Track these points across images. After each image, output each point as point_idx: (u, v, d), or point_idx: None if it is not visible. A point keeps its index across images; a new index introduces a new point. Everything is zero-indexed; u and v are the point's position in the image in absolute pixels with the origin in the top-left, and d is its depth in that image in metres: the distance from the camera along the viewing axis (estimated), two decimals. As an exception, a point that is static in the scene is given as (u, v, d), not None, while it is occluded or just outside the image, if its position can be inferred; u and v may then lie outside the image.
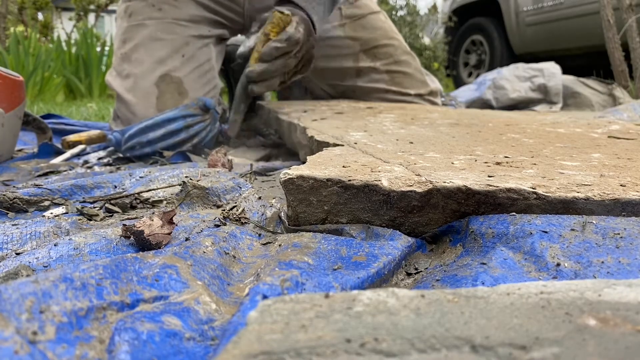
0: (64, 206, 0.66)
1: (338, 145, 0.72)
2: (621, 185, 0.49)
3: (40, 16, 6.53)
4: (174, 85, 1.20)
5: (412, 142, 0.74)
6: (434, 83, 1.52)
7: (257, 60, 1.02)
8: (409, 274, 0.46)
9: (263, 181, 0.85)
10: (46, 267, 0.44)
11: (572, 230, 0.43)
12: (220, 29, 1.34)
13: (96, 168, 1.03)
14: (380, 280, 0.42)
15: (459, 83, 4.24)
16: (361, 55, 1.40)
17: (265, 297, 0.35)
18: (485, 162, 0.59)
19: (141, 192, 0.69)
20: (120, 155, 1.11)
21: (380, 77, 1.41)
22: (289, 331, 0.26)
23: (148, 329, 0.31)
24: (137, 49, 1.22)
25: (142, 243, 0.48)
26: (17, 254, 0.49)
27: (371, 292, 0.30)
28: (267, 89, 1.07)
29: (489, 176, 0.52)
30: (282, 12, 1.02)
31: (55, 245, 0.47)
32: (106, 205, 0.66)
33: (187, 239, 0.49)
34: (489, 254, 0.43)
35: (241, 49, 1.10)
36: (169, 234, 0.50)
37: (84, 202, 0.69)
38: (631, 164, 0.60)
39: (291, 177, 0.52)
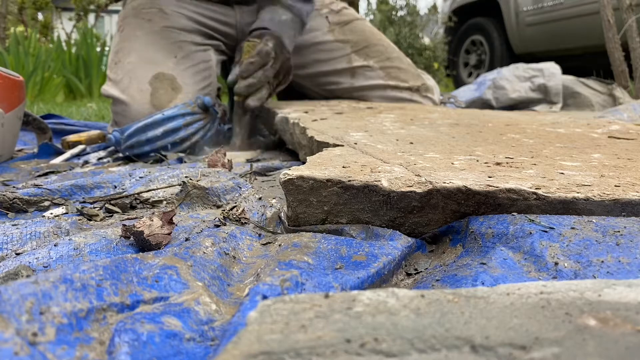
0: (64, 206, 0.66)
1: (338, 145, 0.72)
2: (616, 186, 0.49)
3: (40, 16, 6.53)
4: (168, 81, 1.22)
5: (412, 143, 0.74)
6: (430, 81, 1.53)
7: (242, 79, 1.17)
8: (409, 274, 0.46)
9: (263, 181, 0.85)
10: (46, 267, 0.44)
11: (572, 229, 0.43)
12: (215, 40, 1.36)
13: (96, 168, 1.03)
14: (380, 280, 0.42)
15: (459, 83, 4.23)
16: (353, 56, 1.42)
17: (265, 297, 0.35)
18: (485, 163, 0.59)
19: (141, 192, 0.69)
20: (120, 155, 1.11)
21: (375, 74, 1.43)
22: (289, 331, 0.26)
23: (148, 330, 0.31)
24: (130, 54, 1.25)
25: (142, 243, 0.48)
26: (17, 254, 0.49)
27: (371, 292, 0.30)
28: (259, 101, 1.16)
29: (489, 176, 0.52)
30: (249, 41, 1.17)
31: (55, 245, 0.47)
32: (106, 205, 0.66)
33: (187, 240, 0.49)
34: (489, 254, 0.43)
35: (230, 78, 1.18)
36: (169, 234, 0.50)
37: (84, 202, 0.69)
38: (631, 164, 0.60)
39: (291, 177, 0.52)
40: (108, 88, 1.26)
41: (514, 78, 2.10)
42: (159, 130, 1.07)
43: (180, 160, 1.04)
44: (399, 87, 1.43)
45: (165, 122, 1.07)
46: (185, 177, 0.74)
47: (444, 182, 0.49)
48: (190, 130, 1.09)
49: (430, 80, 1.54)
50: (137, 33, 1.27)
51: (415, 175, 0.53)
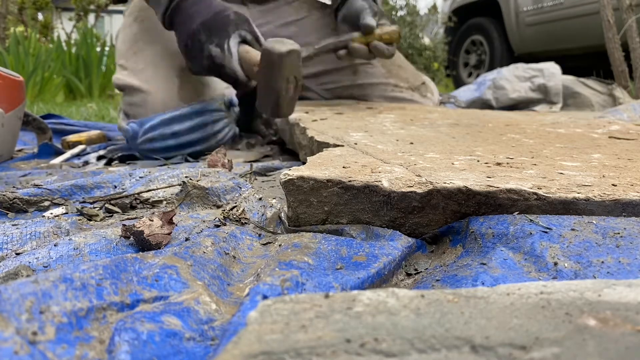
0: (64, 206, 0.66)
1: (338, 145, 0.72)
2: (613, 185, 0.49)
3: (40, 16, 6.53)
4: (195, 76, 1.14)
5: (412, 143, 0.74)
6: (430, 83, 1.53)
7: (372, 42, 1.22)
8: (409, 275, 0.46)
9: (263, 181, 0.84)
10: (46, 267, 0.44)
11: (572, 230, 0.43)
12: None
13: (96, 168, 1.03)
14: (380, 280, 0.42)
15: (459, 83, 4.24)
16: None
17: (265, 297, 0.35)
18: (486, 163, 0.59)
19: (141, 192, 0.69)
20: (121, 155, 1.10)
21: (377, 71, 1.42)
22: (289, 331, 0.26)
23: (148, 329, 0.31)
24: (153, 45, 1.17)
25: (142, 243, 0.48)
26: (17, 254, 0.49)
27: (371, 292, 0.30)
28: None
29: (489, 177, 0.52)
30: (399, 34, 1.27)
31: (55, 245, 0.47)
32: (106, 205, 0.66)
33: (187, 239, 0.49)
34: (489, 254, 0.43)
35: (371, 21, 1.20)
36: (169, 234, 0.50)
37: (84, 202, 0.69)
38: (631, 164, 0.60)
39: (291, 178, 0.52)
40: (124, 77, 1.17)
41: (514, 78, 2.10)
42: (186, 124, 1.01)
43: (184, 160, 1.04)
44: (400, 85, 1.43)
45: (193, 116, 1.02)
46: (185, 177, 0.73)
47: (445, 183, 0.49)
48: (216, 128, 1.05)
49: (430, 82, 1.53)
50: (159, 26, 1.17)
51: (416, 175, 0.53)
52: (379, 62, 1.42)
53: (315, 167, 0.56)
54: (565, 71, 2.15)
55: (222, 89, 1.16)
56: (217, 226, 0.55)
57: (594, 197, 0.46)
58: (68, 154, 1.16)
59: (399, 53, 1.48)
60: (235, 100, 1.08)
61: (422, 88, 1.45)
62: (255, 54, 0.99)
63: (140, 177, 0.76)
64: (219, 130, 1.07)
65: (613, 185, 0.49)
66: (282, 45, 0.93)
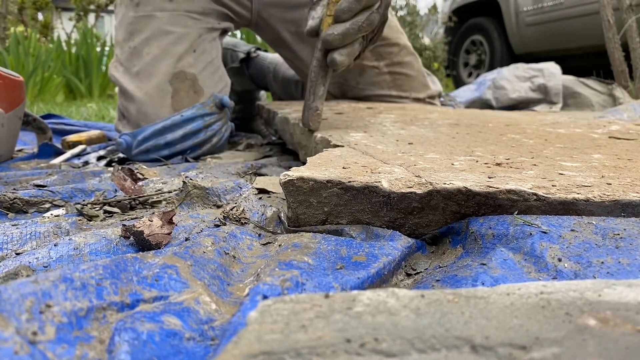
0: (64, 208, 0.66)
1: (338, 146, 0.72)
2: (612, 185, 0.49)
3: (40, 16, 6.54)
4: (189, 82, 1.14)
5: (412, 143, 0.74)
6: (435, 85, 1.49)
7: (332, 23, 0.80)
8: (408, 275, 0.46)
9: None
10: (46, 267, 0.44)
11: (572, 231, 0.43)
12: (228, 21, 1.28)
13: (96, 168, 1.03)
14: (380, 280, 0.42)
15: (459, 83, 4.24)
16: (366, 53, 1.35)
17: (265, 297, 0.35)
18: (486, 163, 0.59)
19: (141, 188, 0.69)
20: (122, 156, 1.10)
21: (382, 79, 1.37)
22: (289, 331, 0.26)
23: (148, 329, 0.31)
24: (148, 43, 1.15)
25: (142, 243, 0.49)
26: (17, 254, 0.49)
27: (371, 292, 0.30)
28: (349, 59, 0.81)
29: (489, 177, 0.52)
30: None
31: (55, 245, 0.47)
32: (104, 207, 0.66)
33: (187, 239, 0.49)
34: (489, 255, 0.43)
35: (311, 23, 0.83)
36: (169, 234, 0.50)
37: (84, 204, 0.69)
38: (631, 164, 0.60)
39: (291, 178, 0.52)
40: (119, 75, 1.15)
41: (514, 78, 2.11)
42: (178, 133, 1.01)
43: (185, 160, 1.04)
44: (402, 96, 1.39)
45: (184, 124, 1.02)
46: (185, 177, 0.73)
47: (444, 183, 0.49)
48: (210, 132, 1.05)
49: (436, 85, 1.49)
50: (157, 14, 1.15)
51: (416, 176, 0.53)
52: (387, 68, 1.36)
53: (315, 168, 0.56)
54: (565, 71, 2.15)
55: (214, 93, 1.15)
56: (217, 226, 0.55)
57: (593, 198, 0.46)
58: (68, 154, 1.16)
59: (413, 57, 1.38)
60: (227, 99, 1.07)
61: (425, 101, 1.42)
62: None
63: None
64: (214, 134, 1.06)
65: (611, 185, 0.49)
66: None
